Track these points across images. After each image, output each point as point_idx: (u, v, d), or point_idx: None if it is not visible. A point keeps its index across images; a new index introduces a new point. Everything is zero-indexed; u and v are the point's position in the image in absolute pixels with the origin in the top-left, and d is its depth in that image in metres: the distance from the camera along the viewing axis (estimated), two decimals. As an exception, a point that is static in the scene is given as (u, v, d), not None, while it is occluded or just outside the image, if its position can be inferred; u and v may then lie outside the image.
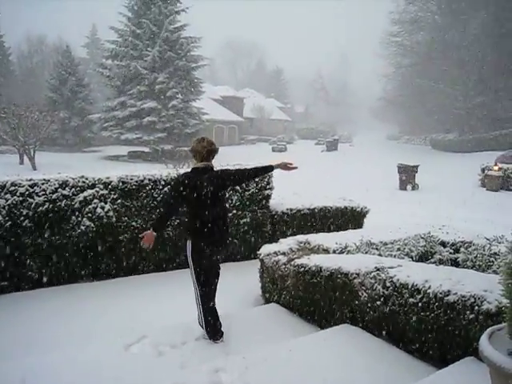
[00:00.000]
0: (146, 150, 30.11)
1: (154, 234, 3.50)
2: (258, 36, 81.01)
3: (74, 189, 5.15)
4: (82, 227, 5.18)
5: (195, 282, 3.64)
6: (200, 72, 33.17)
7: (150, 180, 5.60)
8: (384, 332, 3.44)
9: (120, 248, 5.46)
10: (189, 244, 3.61)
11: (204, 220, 3.54)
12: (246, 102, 49.55)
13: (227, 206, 5.73)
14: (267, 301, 4.72)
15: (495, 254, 4.48)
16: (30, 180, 4.95)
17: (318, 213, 6.78)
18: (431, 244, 4.84)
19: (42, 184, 4.98)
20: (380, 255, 4.46)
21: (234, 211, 6.15)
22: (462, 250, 4.80)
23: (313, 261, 4.13)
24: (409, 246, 4.77)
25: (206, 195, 3.55)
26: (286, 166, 3.86)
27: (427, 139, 40.67)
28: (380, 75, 43.40)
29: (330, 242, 4.87)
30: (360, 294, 3.61)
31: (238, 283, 5.12)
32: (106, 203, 5.32)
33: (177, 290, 4.44)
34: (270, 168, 3.87)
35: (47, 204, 4.97)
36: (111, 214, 5.34)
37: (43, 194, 4.96)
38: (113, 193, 5.38)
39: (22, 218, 4.86)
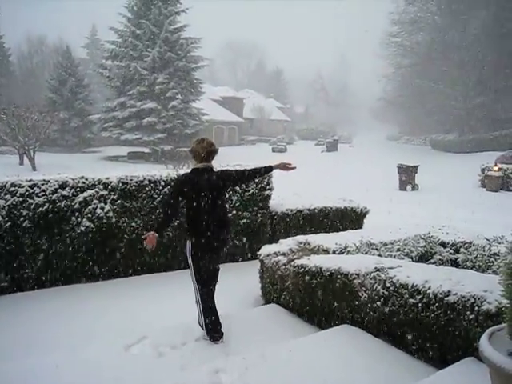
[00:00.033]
0: (146, 150, 30.13)
1: (156, 235, 3.50)
2: (258, 36, 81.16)
3: (73, 189, 5.15)
4: (82, 228, 5.18)
5: (195, 281, 3.65)
6: (200, 73, 33.17)
7: (149, 181, 5.60)
8: (384, 332, 3.44)
9: (120, 248, 5.46)
10: (189, 244, 3.61)
11: (204, 220, 3.55)
12: (245, 103, 49.56)
13: (227, 206, 5.73)
14: (267, 301, 4.72)
15: (495, 254, 4.48)
16: (30, 181, 4.95)
17: (317, 213, 6.79)
18: (431, 244, 4.84)
19: (42, 185, 4.98)
20: (380, 256, 4.46)
21: (234, 212, 6.15)
22: (461, 250, 4.80)
23: (313, 261, 4.13)
24: (409, 246, 4.77)
25: (206, 196, 3.56)
26: (284, 167, 3.88)
27: (427, 139, 40.70)
28: (380, 76, 43.39)
29: (329, 243, 4.87)
30: (360, 294, 3.61)
31: (238, 284, 5.12)
32: (105, 204, 5.32)
33: (177, 290, 4.45)
34: (269, 168, 3.90)
35: (47, 205, 4.97)
36: (111, 214, 5.34)
37: (43, 195, 4.96)
38: (112, 193, 5.38)
39: (22, 219, 4.86)
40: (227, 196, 6.00)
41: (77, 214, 5.17)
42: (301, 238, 5.14)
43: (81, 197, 5.18)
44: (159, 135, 28.43)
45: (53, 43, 52.55)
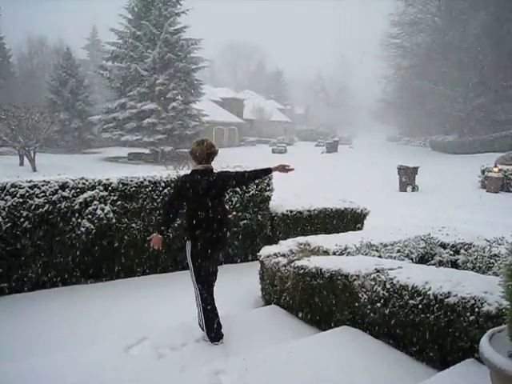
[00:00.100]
0: (146, 151, 30.16)
1: (160, 236, 3.63)
2: (258, 38, 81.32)
3: (73, 190, 5.15)
4: (82, 229, 5.18)
5: (195, 282, 3.66)
6: (200, 74, 33.21)
7: (149, 182, 5.60)
8: (384, 334, 3.44)
9: (120, 249, 5.46)
10: (188, 245, 3.63)
11: (204, 221, 3.57)
12: (245, 104, 49.60)
13: (227, 207, 5.73)
14: (267, 302, 4.72)
15: (495, 255, 4.47)
16: (30, 181, 4.95)
17: (318, 214, 6.78)
18: (431, 246, 4.83)
19: (42, 185, 4.98)
20: (380, 257, 4.46)
21: (234, 213, 6.15)
22: (462, 251, 4.79)
23: (313, 262, 4.13)
24: (409, 247, 4.77)
25: (206, 197, 3.57)
26: (283, 168, 3.90)
27: (427, 141, 40.71)
28: (380, 77, 43.43)
29: (330, 244, 4.87)
30: (360, 295, 3.61)
31: (238, 285, 5.13)
32: (105, 205, 5.31)
33: (178, 291, 4.45)
34: (268, 170, 3.92)
35: (47, 205, 4.97)
36: (111, 215, 5.34)
37: (43, 196, 4.96)
38: (113, 194, 5.38)
39: (22, 220, 4.86)
40: (227, 197, 6.01)
41: (77, 214, 5.17)
42: (301, 239, 5.14)
43: (81, 198, 5.18)
44: (159, 136, 28.45)
45: (53, 44, 52.67)
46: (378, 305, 3.45)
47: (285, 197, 7.23)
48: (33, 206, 4.90)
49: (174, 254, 5.70)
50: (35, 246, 4.95)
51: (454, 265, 4.62)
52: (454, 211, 12.12)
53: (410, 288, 3.23)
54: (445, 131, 39.19)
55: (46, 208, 4.96)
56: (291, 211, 6.64)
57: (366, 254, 4.55)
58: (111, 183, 5.38)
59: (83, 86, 37.58)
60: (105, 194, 5.33)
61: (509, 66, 31.38)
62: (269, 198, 6.50)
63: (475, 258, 4.49)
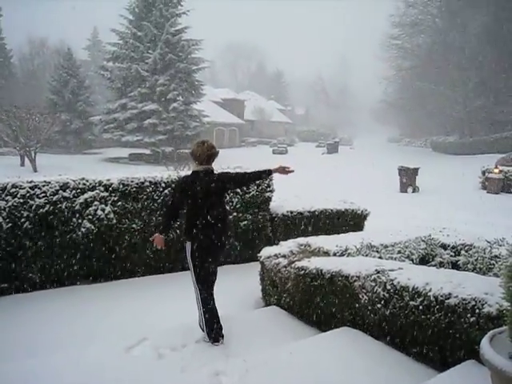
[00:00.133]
0: (147, 152, 30.18)
1: (162, 236, 3.68)
2: (258, 38, 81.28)
3: (74, 191, 5.16)
4: (83, 229, 5.18)
5: (195, 282, 3.66)
6: (201, 74, 33.26)
7: (150, 182, 5.60)
8: (384, 335, 3.43)
9: (121, 250, 5.46)
10: (188, 245, 3.63)
11: (204, 222, 3.57)
12: (246, 105, 49.63)
13: (228, 208, 5.73)
14: (268, 303, 4.71)
15: (496, 256, 4.47)
16: (31, 182, 4.96)
17: (318, 215, 6.78)
18: (432, 247, 4.83)
19: (43, 186, 4.98)
20: (380, 258, 4.45)
21: (235, 213, 6.15)
22: (462, 252, 4.79)
23: (313, 263, 4.13)
24: (409, 248, 4.77)
25: (206, 198, 3.58)
26: (283, 170, 3.91)
27: (428, 142, 40.73)
28: (380, 78, 43.42)
29: (330, 245, 4.86)
30: (360, 296, 3.61)
31: (239, 285, 5.12)
32: (106, 205, 5.32)
33: (178, 291, 4.44)
34: (268, 172, 3.92)
35: (48, 206, 4.98)
36: (112, 216, 5.34)
37: (44, 196, 4.97)
38: (113, 195, 5.38)
39: (23, 220, 4.87)
40: (228, 198, 6.01)
41: (77, 215, 5.17)
42: (301, 240, 5.14)
43: (82, 198, 5.19)
44: (160, 137, 28.48)
45: (54, 45, 52.69)
46: (379, 306, 3.44)
47: (285, 197, 7.23)
48: (33, 207, 4.90)
49: (175, 254, 5.70)
50: (36, 247, 4.96)
51: (455, 266, 4.62)
52: (454, 212, 12.12)
53: (410, 289, 3.23)
54: (445, 132, 39.19)
55: (46, 208, 4.96)
56: (292, 212, 6.64)
57: (367, 255, 4.55)
58: (112, 184, 5.38)
59: (84, 87, 37.63)
60: (105, 194, 5.33)
61: (509, 67, 31.36)
62: (269, 199, 6.50)
63: (476, 259, 4.49)
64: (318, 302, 3.99)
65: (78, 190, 5.18)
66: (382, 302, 3.42)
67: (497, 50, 31.80)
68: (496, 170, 17.10)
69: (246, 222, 6.28)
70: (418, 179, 17.35)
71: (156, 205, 5.60)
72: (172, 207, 3.71)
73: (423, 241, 5.01)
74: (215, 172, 3.75)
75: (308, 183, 16.19)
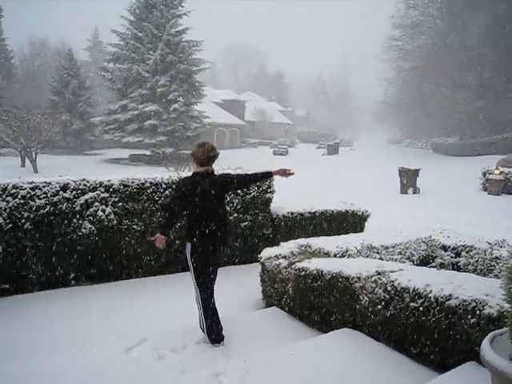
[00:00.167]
0: (148, 153, 30.17)
1: (163, 237, 3.67)
2: (259, 40, 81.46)
3: (75, 192, 5.16)
4: (83, 230, 5.18)
5: (195, 283, 3.66)
6: (201, 75, 33.26)
7: (151, 183, 5.60)
8: (385, 336, 3.43)
9: (121, 251, 5.46)
10: (188, 247, 3.63)
11: (204, 223, 3.57)
12: (247, 106, 49.67)
13: (228, 209, 5.73)
14: (268, 304, 4.71)
15: (496, 258, 4.46)
16: (32, 183, 4.96)
17: (319, 216, 6.78)
18: (432, 248, 4.83)
19: (44, 187, 4.99)
20: (381, 259, 4.45)
21: (236, 214, 6.15)
22: (463, 253, 4.79)
23: (314, 264, 4.13)
24: (410, 249, 4.76)
25: (207, 199, 3.58)
26: (284, 173, 3.92)
27: (428, 143, 40.71)
28: (381, 79, 43.47)
29: (330, 246, 4.86)
30: (361, 297, 3.61)
31: (239, 286, 5.13)
32: (107, 206, 5.32)
33: (178, 292, 4.45)
34: (269, 174, 3.93)
35: (48, 207, 4.98)
36: (112, 216, 5.34)
37: (44, 197, 4.97)
38: (114, 196, 5.38)
39: (24, 221, 4.87)
40: (228, 199, 6.01)
41: (78, 216, 5.17)
42: (302, 241, 5.13)
43: (82, 199, 5.19)
44: (161, 138, 28.48)
45: (55, 46, 52.80)
46: (379, 307, 3.44)
47: (286, 198, 7.23)
48: (34, 207, 4.90)
49: (175, 255, 5.70)
50: (36, 247, 4.96)
51: (456, 267, 4.61)
52: (455, 213, 12.12)
53: (411, 290, 3.23)
54: (446, 133, 39.17)
55: (47, 209, 4.97)
56: (292, 213, 6.64)
57: (367, 256, 4.55)
58: (112, 185, 5.38)
59: (85, 88, 37.66)
60: (106, 195, 5.33)
61: (510, 68, 31.36)
62: (270, 200, 6.50)
63: (476, 261, 4.49)
64: (319, 303, 3.99)
65: (79, 191, 5.19)
66: (383, 304, 3.41)
67: (497, 51, 31.81)
68: (497, 172, 17.09)
69: (246, 223, 6.28)
70: (418, 180, 17.35)
71: (157, 206, 5.60)
72: (172, 208, 3.70)
73: (424, 242, 5.00)
74: (216, 173, 3.75)
75: (308, 184, 16.19)
